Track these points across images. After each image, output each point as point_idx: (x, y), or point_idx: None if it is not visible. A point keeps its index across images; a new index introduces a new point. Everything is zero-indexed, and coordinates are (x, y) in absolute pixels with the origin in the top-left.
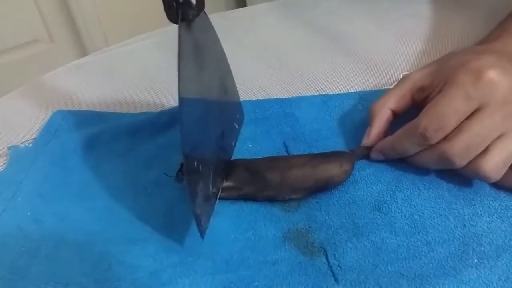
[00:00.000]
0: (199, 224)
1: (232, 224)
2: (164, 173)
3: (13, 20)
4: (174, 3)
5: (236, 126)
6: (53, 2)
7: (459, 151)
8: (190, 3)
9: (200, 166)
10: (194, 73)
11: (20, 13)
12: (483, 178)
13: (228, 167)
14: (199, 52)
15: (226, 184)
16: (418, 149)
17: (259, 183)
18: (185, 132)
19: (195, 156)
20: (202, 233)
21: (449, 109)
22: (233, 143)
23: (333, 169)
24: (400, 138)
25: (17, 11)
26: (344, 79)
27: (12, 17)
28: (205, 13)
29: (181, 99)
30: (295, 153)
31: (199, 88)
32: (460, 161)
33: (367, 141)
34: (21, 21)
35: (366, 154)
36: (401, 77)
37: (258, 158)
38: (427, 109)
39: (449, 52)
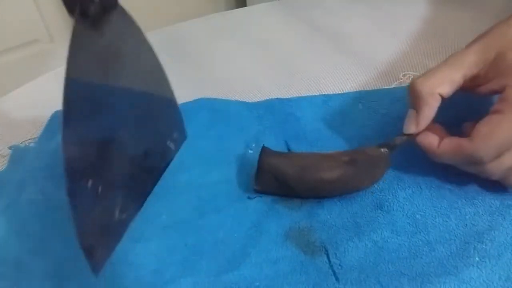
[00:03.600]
0: (90, 258)
1: (235, 222)
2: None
3: (13, 20)
4: None
5: (172, 146)
6: (53, 2)
7: (501, 172)
8: None
9: (100, 187)
10: (94, 79)
11: (20, 13)
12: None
13: (257, 170)
14: (112, 58)
15: (254, 188)
16: (465, 165)
17: (286, 191)
18: (69, 143)
19: (89, 174)
20: (95, 269)
21: (509, 136)
22: (162, 165)
23: (364, 185)
24: (448, 154)
25: (17, 11)
26: (344, 79)
27: (12, 17)
28: (131, 19)
29: (67, 102)
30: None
31: (100, 96)
32: (497, 177)
33: (415, 129)
34: (21, 21)
35: (406, 142)
36: (401, 77)
37: (288, 160)
38: (485, 134)
39: (496, 26)
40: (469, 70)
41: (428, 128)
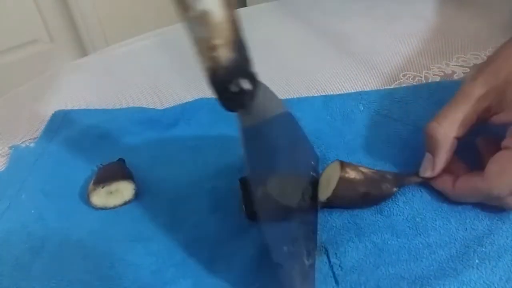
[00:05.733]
0: None
1: (235, 223)
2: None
3: (13, 20)
4: (229, 95)
5: (313, 174)
6: (53, 2)
7: None
8: (245, 91)
9: (291, 248)
10: (261, 153)
11: (20, 13)
12: None
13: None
14: (264, 126)
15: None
16: (485, 201)
17: None
18: (268, 232)
19: (283, 242)
20: None
21: None
22: (313, 198)
23: (363, 208)
24: (465, 195)
25: (17, 11)
26: (344, 79)
27: (12, 17)
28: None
29: (254, 188)
30: None
31: (270, 166)
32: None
33: (430, 173)
34: (21, 21)
35: (418, 182)
36: (401, 77)
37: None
38: (497, 173)
39: (502, 50)
40: (479, 105)
41: (447, 168)
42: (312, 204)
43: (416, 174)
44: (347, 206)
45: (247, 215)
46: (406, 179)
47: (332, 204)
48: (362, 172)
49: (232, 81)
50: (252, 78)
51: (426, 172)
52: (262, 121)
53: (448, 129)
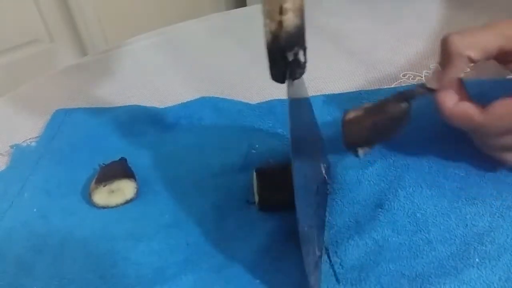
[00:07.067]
0: None
1: (236, 221)
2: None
3: (13, 20)
4: (283, 63)
5: (325, 175)
6: (53, 2)
7: (495, 148)
8: (299, 61)
9: (309, 230)
10: (298, 129)
11: (20, 13)
12: None
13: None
14: (302, 103)
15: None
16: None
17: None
18: (298, 203)
19: (304, 220)
20: None
21: None
22: (324, 195)
23: (384, 140)
24: (457, 119)
25: (17, 11)
26: (344, 79)
27: (12, 17)
28: None
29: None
30: None
31: (303, 148)
32: (488, 151)
33: (435, 85)
34: (21, 21)
35: (423, 93)
36: (401, 77)
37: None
38: (499, 116)
39: None
40: (507, 43)
41: (453, 88)
42: (323, 201)
43: (423, 85)
44: (371, 143)
45: (261, 205)
46: (411, 91)
47: (356, 146)
48: (362, 108)
49: (293, 49)
50: (305, 52)
51: (432, 82)
52: (300, 98)
53: (465, 46)
